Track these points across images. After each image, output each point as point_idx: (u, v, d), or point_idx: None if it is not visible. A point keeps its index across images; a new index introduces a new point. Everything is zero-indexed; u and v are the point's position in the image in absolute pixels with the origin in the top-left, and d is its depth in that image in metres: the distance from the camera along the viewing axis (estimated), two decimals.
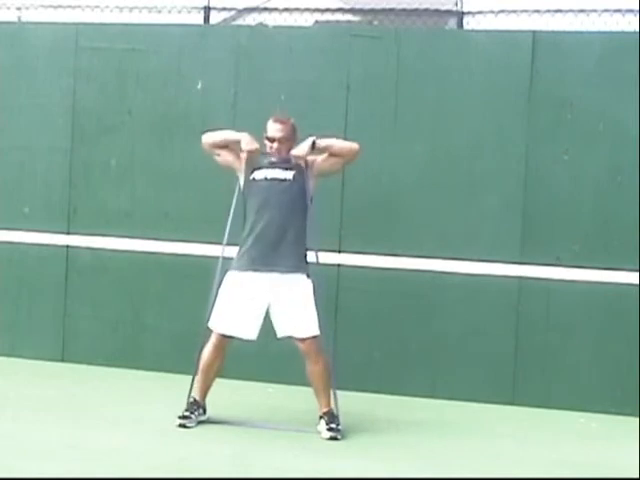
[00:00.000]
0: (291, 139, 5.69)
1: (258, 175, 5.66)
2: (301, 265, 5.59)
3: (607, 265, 6.43)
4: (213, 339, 5.61)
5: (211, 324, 5.63)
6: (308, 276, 5.59)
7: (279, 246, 5.55)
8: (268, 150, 5.68)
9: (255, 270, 5.56)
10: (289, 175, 5.63)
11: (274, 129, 5.67)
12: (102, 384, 6.64)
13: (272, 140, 5.65)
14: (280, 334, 5.60)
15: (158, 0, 7.46)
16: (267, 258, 5.55)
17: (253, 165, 5.69)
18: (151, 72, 7.09)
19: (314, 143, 5.61)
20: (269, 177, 5.63)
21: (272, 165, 5.68)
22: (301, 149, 5.62)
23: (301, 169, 5.66)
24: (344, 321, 6.71)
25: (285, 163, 5.67)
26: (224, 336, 5.59)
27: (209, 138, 5.83)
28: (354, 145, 5.71)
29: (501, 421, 6.23)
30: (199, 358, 5.63)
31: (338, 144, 5.70)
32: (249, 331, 5.59)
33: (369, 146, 6.70)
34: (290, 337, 5.58)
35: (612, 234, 6.47)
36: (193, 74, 7.01)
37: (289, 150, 5.67)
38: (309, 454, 5.22)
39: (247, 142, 5.64)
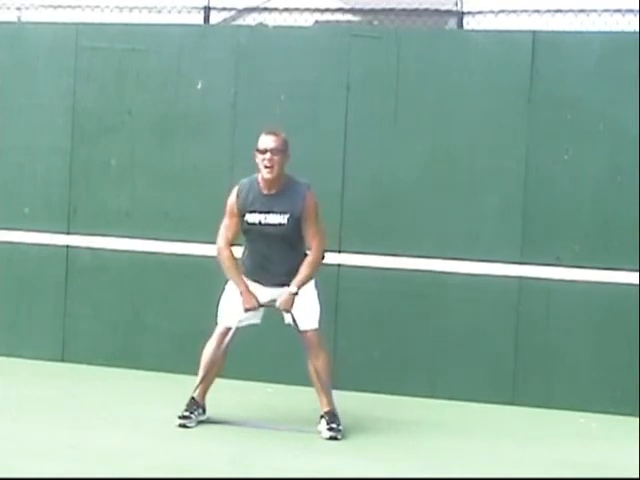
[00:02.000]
0: (284, 151, 5.55)
1: (251, 219, 5.57)
2: None
3: (607, 265, 6.43)
4: (216, 333, 5.64)
5: (218, 318, 5.65)
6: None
7: (279, 269, 5.58)
8: (260, 164, 5.53)
9: (258, 283, 5.64)
10: (283, 219, 5.53)
11: (267, 140, 5.53)
12: (102, 384, 6.63)
13: (264, 151, 5.50)
14: (287, 320, 5.63)
15: (158, 0, 7.46)
16: (269, 277, 5.61)
17: (245, 207, 5.55)
18: (151, 72, 7.09)
19: (296, 293, 5.53)
20: (263, 222, 5.55)
21: (266, 207, 5.52)
22: (287, 302, 5.53)
23: (296, 208, 5.52)
24: (344, 321, 6.71)
25: (278, 201, 5.51)
26: (228, 327, 5.61)
27: (219, 260, 5.65)
28: (318, 259, 5.58)
29: (501, 421, 6.23)
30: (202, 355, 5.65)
31: (312, 270, 5.58)
32: (254, 318, 5.66)
33: (369, 146, 6.73)
34: (294, 327, 5.59)
35: (612, 234, 6.47)
36: (193, 74, 7.01)
37: (281, 164, 5.52)
38: (309, 454, 5.22)
39: (246, 300, 5.56)
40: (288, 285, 5.55)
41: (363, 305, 6.75)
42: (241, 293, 5.56)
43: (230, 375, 6.14)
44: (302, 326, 5.57)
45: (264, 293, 5.62)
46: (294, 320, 5.55)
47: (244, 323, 5.66)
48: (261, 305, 5.58)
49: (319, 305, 5.63)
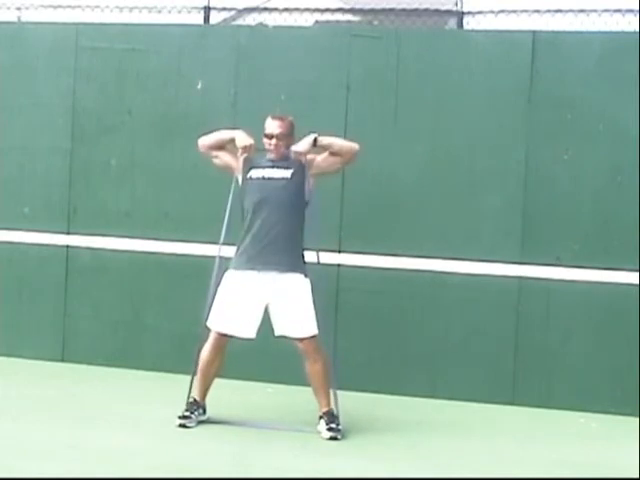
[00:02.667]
0: (289, 136, 5.67)
1: (255, 174, 5.65)
2: (298, 264, 5.59)
3: (607, 265, 6.43)
4: (212, 338, 5.61)
5: (210, 323, 5.63)
6: (306, 275, 5.59)
7: (276, 244, 5.54)
8: (267, 147, 5.67)
9: (253, 269, 5.56)
10: (287, 174, 5.62)
11: (273, 125, 5.66)
12: (102, 384, 6.64)
13: (270, 137, 5.63)
14: (277, 332, 5.60)
15: (158, 0, 7.46)
16: (264, 257, 5.54)
17: (251, 164, 5.68)
18: (151, 72, 7.09)
19: (315, 140, 5.61)
20: (266, 176, 5.62)
21: (270, 164, 5.67)
22: (302, 145, 5.62)
23: (300, 167, 5.64)
24: (344, 321, 6.71)
25: (283, 161, 5.65)
26: (223, 335, 5.59)
27: (204, 141, 5.84)
28: (354, 145, 5.70)
29: (501, 421, 6.23)
30: (198, 358, 5.63)
31: (339, 143, 5.70)
32: (248, 330, 5.59)
33: (369, 146, 6.71)
34: (287, 337, 5.57)
35: (612, 234, 6.47)
36: (193, 74, 7.01)
37: (288, 147, 5.66)
38: (309, 454, 5.22)
39: (241, 138, 5.64)
40: (285, 271, 5.51)
41: (363, 305, 6.75)
42: (237, 137, 5.64)
43: (230, 375, 6.15)
44: (298, 334, 5.54)
45: (259, 287, 5.53)
46: (286, 329, 5.53)
47: (237, 332, 5.57)
48: (257, 149, 5.64)
49: (314, 310, 5.56)
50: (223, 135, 5.77)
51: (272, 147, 5.64)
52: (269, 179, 5.61)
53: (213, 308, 5.63)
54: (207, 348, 5.62)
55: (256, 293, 5.56)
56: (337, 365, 5.75)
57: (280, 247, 5.54)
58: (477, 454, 5.38)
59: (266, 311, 5.61)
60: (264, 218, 5.57)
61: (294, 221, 5.61)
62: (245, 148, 5.63)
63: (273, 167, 5.64)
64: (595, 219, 6.51)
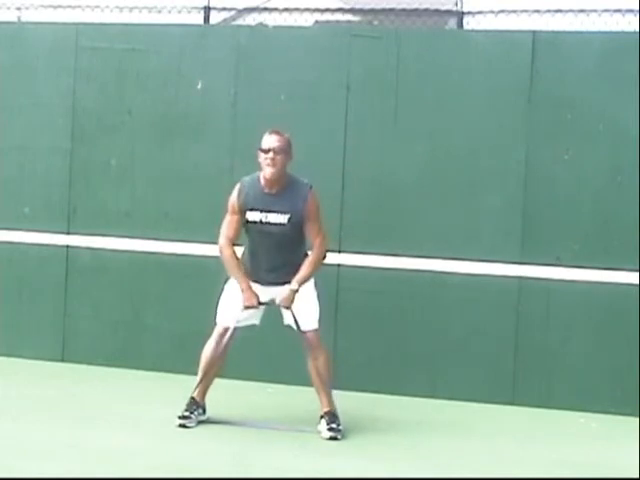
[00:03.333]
0: (286, 152, 5.54)
1: (252, 217, 5.57)
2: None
3: (607, 265, 6.43)
4: (216, 331, 5.63)
5: (217, 318, 5.65)
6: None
7: (279, 268, 5.56)
8: (263, 163, 5.53)
9: (258, 283, 5.62)
10: (284, 219, 5.53)
11: (270, 140, 5.53)
12: (102, 384, 6.63)
13: (267, 151, 5.50)
14: (286, 321, 5.64)
15: (158, 0, 7.46)
16: (268, 276, 5.59)
17: (246, 205, 5.56)
18: (151, 72, 7.09)
19: (296, 290, 5.51)
20: (264, 221, 5.54)
21: (267, 205, 5.51)
22: (288, 299, 5.52)
23: (297, 208, 5.52)
24: (344, 321, 6.71)
25: (280, 200, 5.51)
26: (227, 328, 5.60)
27: (221, 258, 5.64)
28: (319, 258, 5.59)
29: (501, 421, 6.23)
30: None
31: (314, 268, 5.58)
32: (253, 318, 5.66)
33: (369, 146, 6.73)
34: (294, 329, 5.59)
35: (612, 234, 6.47)
36: (193, 74, 7.00)
37: (284, 163, 5.53)
38: (309, 454, 5.22)
39: (247, 298, 5.53)
40: (288, 284, 5.55)
41: (363, 305, 6.75)
42: (242, 291, 5.54)
43: (230, 375, 6.15)
44: (303, 326, 5.57)
45: (264, 292, 5.62)
46: (295, 319, 5.55)
47: (243, 323, 5.66)
48: (261, 303, 5.58)
49: (318, 305, 5.63)
50: (234, 275, 5.59)
51: (269, 161, 5.49)
52: (266, 224, 5.54)
53: (220, 304, 5.66)
54: (212, 345, 5.63)
55: (262, 290, 5.61)
56: (337, 365, 5.75)
57: (283, 269, 5.56)
58: (477, 454, 5.38)
59: (268, 308, 5.62)
60: (265, 255, 5.59)
61: (295, 249, 5.61)
62: (248, 308, 5.55)
63: (270, 211, 5.52)
64: (595, 219, 6.51)
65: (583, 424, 6.21)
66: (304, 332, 5.57)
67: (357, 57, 6.79)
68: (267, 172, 5.52)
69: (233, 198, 5.63)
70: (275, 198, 5.54)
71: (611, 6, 6.82)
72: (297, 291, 5.53)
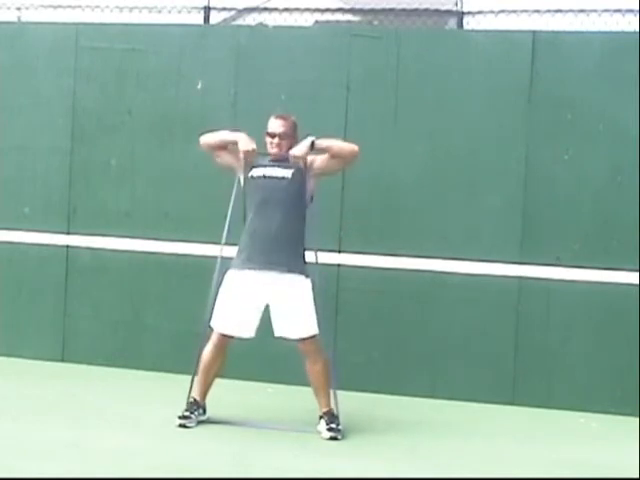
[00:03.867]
0: (292, 136, 5.67)
1: (256, 173, 5.65)
2: (299, 265, 5.58)
3: (607, 265, 6.43)
4: (213, 338, 5.62)
5: (212, 323, 5.63)
6: (307, 276, 5.59)
7: (277, 244, 5.53)
8: (269, 147, 5.67)
9: (252, 268, 5.56)
10: (288, 173, 5.60)
11: (275, 125, 5.67)
12: (102, 384, 6.64)
13: (273, 136, 5.64)
14: (277, 334, 5.60)
15: (158, 0, 7.46)
16: (265, 256, 5.53)
17: (252, 163, 5.68)
18: (151, 72, 7.09)
19: (313, 143, 5.59)
20: (267, 175, 5.61)
21: (271, 163, 5.67)
22: (300, 149, 5.59)
23: (300, 168, 5.63)
24: (344, 321, 6.71)
25: (285, 161, 5.64)
26: (225, 335, 5.59)
27: (206, 140, 5.82)
28: (354, 147, 5.66)
29: (501, 421, 6.23)
30: (199, 358, 5.63)
31: (338, 145, 5.66)
32: (248, 330, 5.60)
33: (369, 146, 6.71)
34: (286, 339, 5.57)
35: (612, 234, 6.47)
36: (193, 74, 7.01)
37: (289, 147, 5.64)
38: (309, 454, 5.22)
39: (244, 143, 5.62)
40: (286, 271, 5.50)
41: (363, 305, 6.75)
42: (238, 140, 5.60)
43: (230, 375, 6.15)
44: (298, 334, 5.54)
45: (259, 286, 5.52)
46: (285, 331, 5.53)
47: (238, 332, 5.58)
48: (258, 152, 5.61)
49: (315, 310, 5.57)
50: (225, 136, 5.75)
51: (274, 146, 5.65)
52: (270, 178, 5.60)
53: (215, 309, 5.63)
54: (208, 348, 5.62)
55: (256, 293, 5.56)
56: (337, 365, 5.74)
57: (281, 247, 5.54)
58: (477, 454, 5.38)
59: (266, 310, 5.61)
60: (265, 217, 5.56)
61: (295, 221, 5.59)
62: (247, 153, 5.61)
63: (274, 166, 5.64)
64: (595, 219, 6.51)
65: (583, 424, 6.21)
66: (301, 340, 5.53)
67: (357, 57, 6.79)
68: (272, 153, 5.65)
69: (245, 144, 5.61)
70: (280, 158, 5.66)
71: (611, 6, 6.82)
72: (313, 145, 5.53)
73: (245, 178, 5.69)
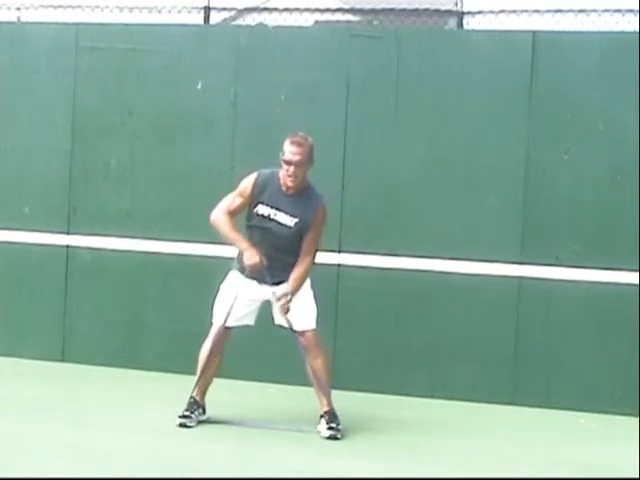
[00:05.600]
0: (308, 162, 5.52)
1: (262, 210, 5.55)
2: None
3: (607, 265, 6.43)
4: (212, 332, 5.63)
5: (213, 318, 5.65)
6: None
7: (277, 269, 5.53)
8: (283, 172, 5.49)
9: (254, 280, 5.60)
10: (291, 223, 5.52)
11: (291, 152, 5.48)
12: (102, 384, 6.63)
13: (289, 163, 5.48)
14: (277, 321, 5.64)
15: (158, 0, 7.46)
16: (272, 279, 5.54)
17: (259, 197, 5.54)
18: (151, 72, 7.09)
19: (290, 299, 5.49)
20: (272, 217, 5.53)
21: (279, 203, 5.51)
22: (284, 307, 5.50)
23: (307, 217, 5.52)
24: (344, 321, 6.71)
25: (292, 203, 5.51)
26: (225, 328, 5.60)
27: (215, 224, 5.63)
28: (308, 270, 5.56)
29: (501, 421, 6.23)
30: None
31: (302, 281, 5.56)
32: (250, 318, 5.66)
33: (369, 146, 6.72)
34: (287, 328, 5.58)
35: (612, 234, 6.47)
36: (193, 74, 7.01)
37: (305, 173, 5.51)
38: (309, 454, 5.22)
39: (248, 257, 5.49)
40: (284, 282, 5.52)
41: (363, 305, 6.75)
42: (244, 250, 5.47)
43: (230, 375, 6.15)
44: (300, 327, 5.56)
45: (261, 291, 5.60)
46: (288, 322, 5.55)
47: (238, 323, 5.64)
48: (263, 265, 5.48)
49: (315, 305, 5.62)
50: (233, 240, 5.59)
51: (290, 173, 5.48)
52: (273, 221, 5.53)
53: (215, 303, 5.65)
54: (207, 343, 5.63)
55: (257, 291, 5.60)
56: (337, 365, 5.75)
57: (284, 270, 5.54)
58: (477, 454, 5.38)
59: (268, 306, 5.62)
60: (266, 249, 5.54)
61: (292, 255, 5.56)
62: (252, 266, 5.50)
63: (280, 210, 5.51)
64: (595, 219, 6.51)
65: (583, 424, 6.21)
66: (301, 332, 5.56)
67: (357, 57, 6.79)
68: (288, 182, 5.51)
69: (248, 184, 5.58)
70: (289, 199, 5.53)
71: (611, 6, 6.81)
72: (291, 300, 5.49)
73: (250, 208, 5.60)
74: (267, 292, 5.59)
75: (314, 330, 5.59)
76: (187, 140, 6.95)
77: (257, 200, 5.56)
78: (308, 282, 5.63)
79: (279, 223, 5.53)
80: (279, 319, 5.62)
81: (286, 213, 5.53)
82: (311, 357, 5.58)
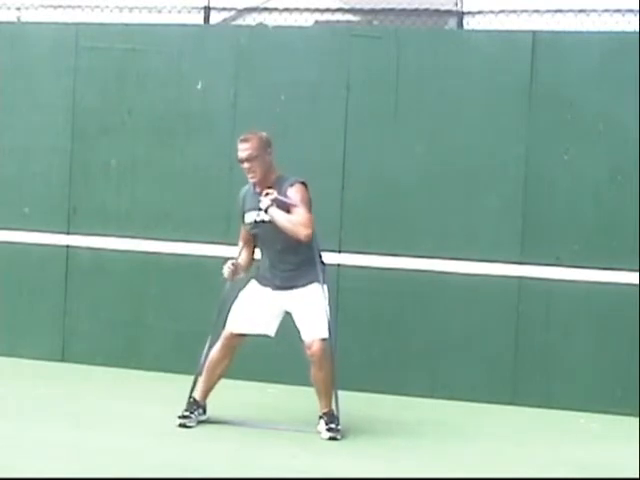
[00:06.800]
0: (260, 154, 5.49)
1: (248, 219, 5.62)
2: (310, 276, 5.55)
3: (607, 265, 6.43)
4: (223, 337, 5.62)
5: (227, 325, 5.63)
6: (318, 282, 5.54)
7: (287, 272, 5.54)
8: (246, 174, 5.55)
9: (271, 288, 5.60)
10: (267, 217, 5.49)
11: (240, 150, 5.53)
12: (102, 384, 6.64)
13: (241, 161, 5.53)
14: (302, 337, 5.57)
15: (158, 0, 7.46)
16: (279, 282, 5.56)
17: (243, 207, 5.64)
18: (151, 72, 7.09)
19: (273, 200, 5.44)
20: (257, 220, 5.55)
21: (255, 204, 5.53)
22: (263, 202, 5.48)
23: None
24: (344, 321, 6.70)
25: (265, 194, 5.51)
26: (236, 335, 5.59)
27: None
28: (300, 231, 5.42)
29: (501, 421, 6.23)
30: (207, 358, 5.61)
31: (282, 222, 5.42)
32: (264, 327, 5.63)
33: (369, 146, 6.73)
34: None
35: (612, 234, 6.47)
36: (193, 74, 7.01)
37: (263, 165, 5.48)
38: (309, 454, 5.22)
39: (225, 272, 5.57)
40: (301, 286, 5.52)
41: (363, 305, 6.75)
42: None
43: (230, 375, 6.13)
44: (305, 337, 5.51)
45: (276, 301, 5.57)
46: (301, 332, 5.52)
47: (252, 331, 5.61)
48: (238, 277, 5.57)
49: (328, 314, 5.52)
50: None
51: (248, 172, 5.51)
52: (261, 222, 5.54)
53: (231, 309, 5.63)
54: (217, 347, 5.62)
55: (273, 296, 5.59)
56: (337, 365, 5.74)
57: (292, 273, 5.54)
58: (477, 454, 5.38)
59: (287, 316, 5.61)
60: (269, 252, 5.59)
61: (298, 252, 5.54)
62: (229, 278, 5.59)
63: (257, 209, 5.51)
64: (595, 219, 6.51)
65: (583, 424, 6.21)
66: (308, 342, 5.48)
67: (357, 57, 6.79)
68: (250, 179, 5.56)
69: (237, 207, 5.69)
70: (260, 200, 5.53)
71: (611, 6, 6.81)
72: (273, 202, 5.41)
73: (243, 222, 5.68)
74: (285, 300, 5.56)
75: (322, 340, 5.48)
76: (187, 140, 6.96)
77: (243, 211, 5.64)
78: (319, 291, 5.54)
79: (263, 222, 5.52)
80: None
81: (261, 210, 5.51)
82: (315, 368, 5.51)
